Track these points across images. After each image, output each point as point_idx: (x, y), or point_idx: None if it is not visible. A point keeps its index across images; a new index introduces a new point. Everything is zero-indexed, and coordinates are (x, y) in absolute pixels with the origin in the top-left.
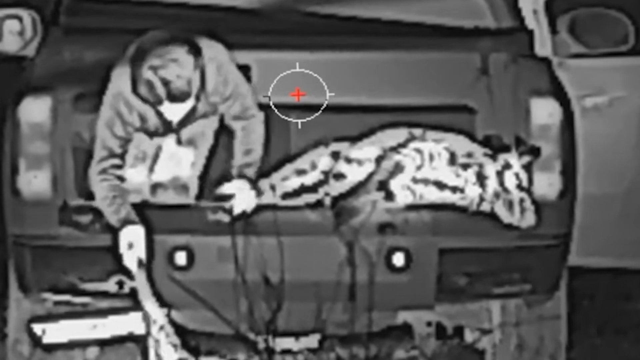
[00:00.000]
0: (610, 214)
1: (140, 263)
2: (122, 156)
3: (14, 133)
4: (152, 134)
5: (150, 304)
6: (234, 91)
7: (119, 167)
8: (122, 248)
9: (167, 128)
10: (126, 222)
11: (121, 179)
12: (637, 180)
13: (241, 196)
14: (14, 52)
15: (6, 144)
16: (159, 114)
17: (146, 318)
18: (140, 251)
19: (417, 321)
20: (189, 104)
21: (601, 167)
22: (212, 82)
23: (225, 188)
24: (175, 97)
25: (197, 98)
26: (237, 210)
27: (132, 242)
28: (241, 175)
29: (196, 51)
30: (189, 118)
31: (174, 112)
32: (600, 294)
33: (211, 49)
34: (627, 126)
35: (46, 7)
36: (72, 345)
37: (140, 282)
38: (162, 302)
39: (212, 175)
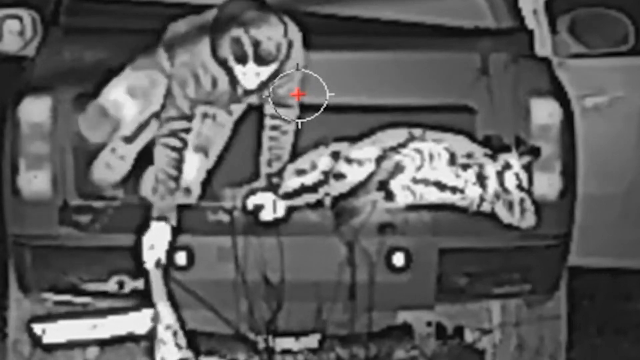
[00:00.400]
0: (610, 214)
1: (158, 262)
2: (191, 119)
3: (14, 133)
4: (213, 103)
5: (162, 304)
6: (291, 71)
7: (188, 130)
8: (145, 247)
9: (233, 98)
10: (160, 217)
11: (186, 144)
12: (637, 180)
13: (269, 207)
14: (14, 52)
15: (6, 144)
16: (232, 81)
17: (156, 317)
18: (162, 251)
19: (417, 321)
20: (270, 70)
21: (601, 167)
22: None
23: (252, 200)
24: (262, 60)
25: (280, 66)
26: (265, 218)
27: (155, 243)
28: (269, 186)
29: (284, 22)
30: (260, 88)
31: (254, 75)
32: (600, 294)
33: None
34: (627, 126)
35: (46, 7)
36: (72, 345)
37: (156, 282)
38: (175, 303)
39: (228, 179)
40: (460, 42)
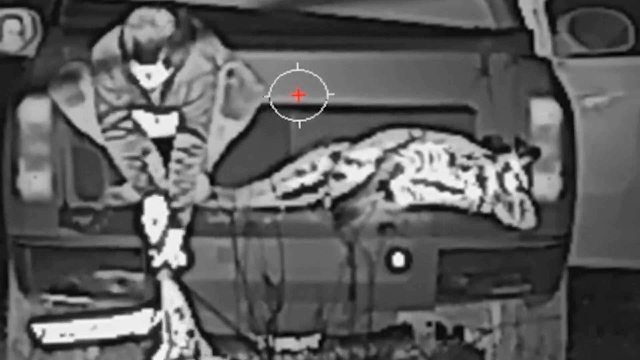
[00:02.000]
0: (610, 214)
1: (164, 236)
2: (122, 109)
3: (14, 133)
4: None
5: (168, 287)
6: (201, 102)
7: (126, 118)
8: (147, 225)
9: (145, 96)
10: (147, 193)
11: (131, 131)
12: (637, 180)
13: (173, 249)
14: (14, 52)
15: (6, 145)
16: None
17: (161, 301)
18: (164, 225)
19: (417, 321)
20: (158, 70)
21: (601, 167)
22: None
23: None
24: (142, 59)
25: (168, 67)
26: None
27: (157, 217)
28: (173, 222)
29: (178, 21)
30: (165, 93)
31: (145, 75)
32: (600, 294)
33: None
34: (627, 126)
35: (46, 7)
36: (72, 345)
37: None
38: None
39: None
40: (461, 43)
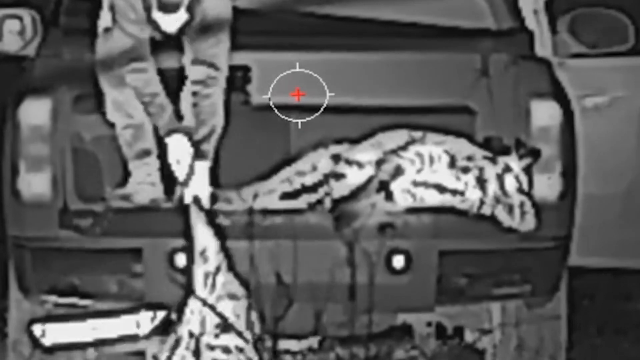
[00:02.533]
0: (610, 214)
1: (190, 174)
2: (143, 43)
3: (14, 134)
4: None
5: (202, 229)
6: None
7: (144, 58)
8: (172, 161)
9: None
10: (170, 131)
11: (148, 67)
12: (637, 180)
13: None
14: (14, 52)
15: (6, 145)
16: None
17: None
18: (188, 163)
19: (417, 321)
20: (180, 16)
21: (601, 167)
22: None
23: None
24: (165, 7)
25: (191, 12)
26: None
27: (180, 158)
28: (198, 154)
29: None
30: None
31: (167, 23)
32: (600, 294)
33: None
34: (627, 126)
35: (46, 8)
36: (72, 346)
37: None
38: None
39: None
40: (461, 43)
